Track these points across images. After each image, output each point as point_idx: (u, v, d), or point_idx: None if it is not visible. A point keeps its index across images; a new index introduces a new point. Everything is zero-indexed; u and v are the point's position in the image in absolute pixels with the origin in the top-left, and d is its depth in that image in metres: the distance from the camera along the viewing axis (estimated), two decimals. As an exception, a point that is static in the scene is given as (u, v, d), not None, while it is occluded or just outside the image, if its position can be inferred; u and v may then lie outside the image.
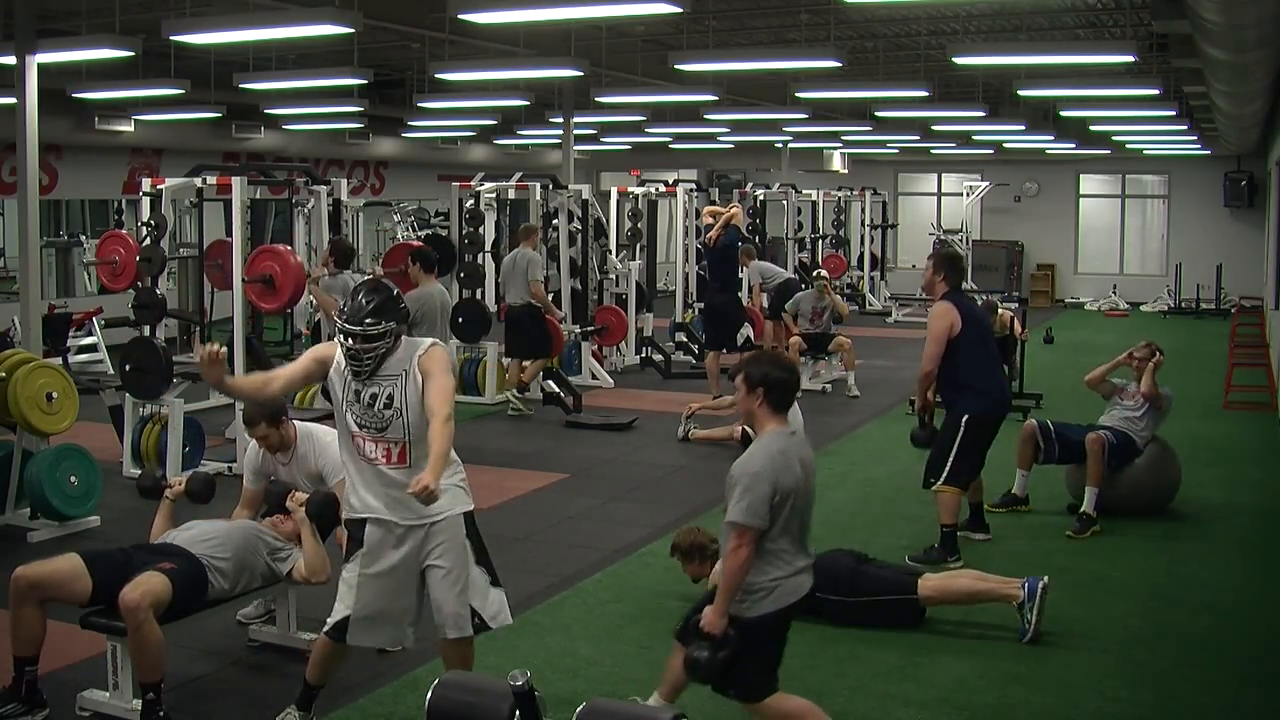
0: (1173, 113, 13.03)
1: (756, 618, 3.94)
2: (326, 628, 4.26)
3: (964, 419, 6.46)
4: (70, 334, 12.82)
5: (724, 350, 11.07)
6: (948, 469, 6.47)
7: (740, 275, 12.25)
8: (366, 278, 4.36)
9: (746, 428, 9.30)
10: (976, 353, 6.53)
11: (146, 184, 8.64)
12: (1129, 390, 7.55)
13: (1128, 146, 20.29)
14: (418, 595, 4.25)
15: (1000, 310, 10.12)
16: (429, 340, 4.28)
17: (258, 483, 5.20)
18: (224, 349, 4.17)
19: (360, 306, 4.08)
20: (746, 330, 11.74)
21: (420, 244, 9.89)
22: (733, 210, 11.32)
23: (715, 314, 11.22)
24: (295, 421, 5.25)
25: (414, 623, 4.29)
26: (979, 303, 10.12)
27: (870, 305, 20.33)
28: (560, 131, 15.80)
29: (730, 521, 3.90)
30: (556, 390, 11.08)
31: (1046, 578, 5.44)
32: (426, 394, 4.09)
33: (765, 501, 3.86)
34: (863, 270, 20.67)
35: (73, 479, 6.95)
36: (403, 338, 4.19)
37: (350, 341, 4.08)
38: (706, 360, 11.40)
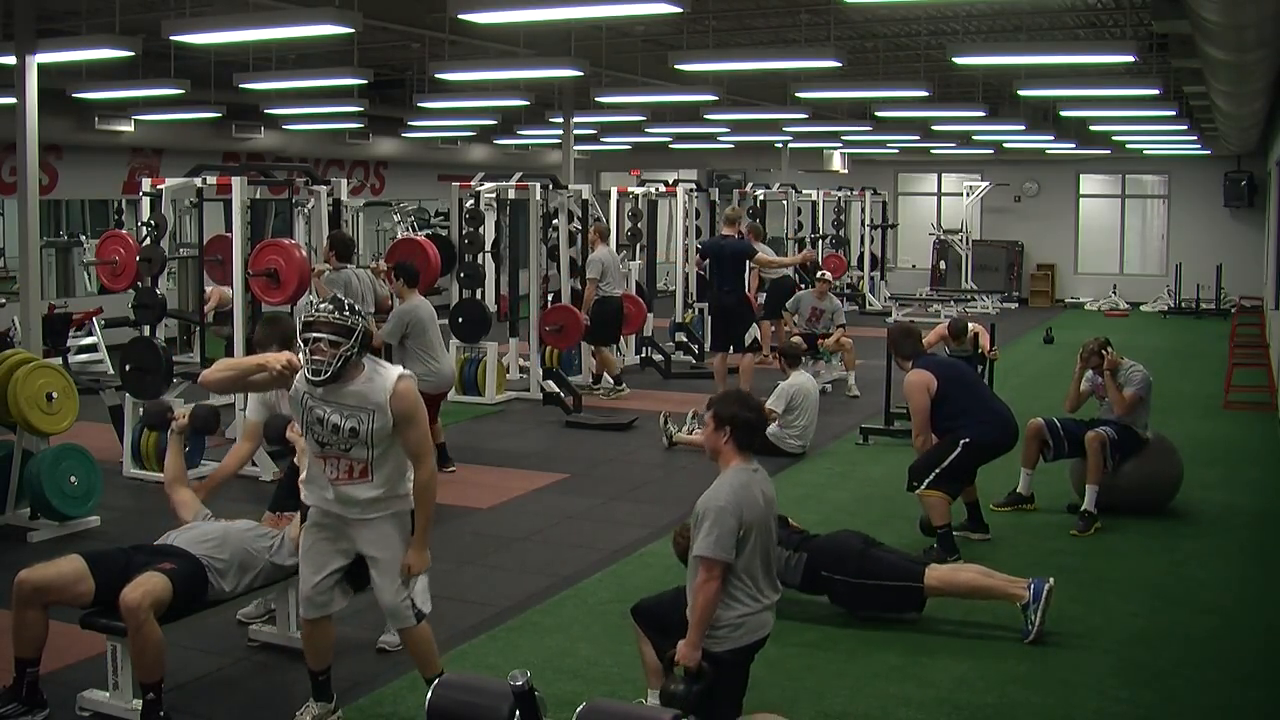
0: (1173, 113, 13.02)
1: (725, 652, 4.05)
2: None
3: (962, 441, 6.50)
4: (70, 334, 12.82)
5: (730, 350, 11.04)
6: (931, 478, 6.49)
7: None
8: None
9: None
10: (963, 399, 6.62)
11: (146, 184, 8.65)
12: (1101, 385, 7.53)
13: (1128, 146, 20.28)
14: (346, 568, 4.39)
15: (970, 327, 9.34)
16: (395, 371, 4.23)
17: (260, 414, 5.28)
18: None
19: (320, 306, 4.18)
20: (754, 331, 11.73)
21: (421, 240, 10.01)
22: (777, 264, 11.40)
23: (724, 314, 11.15)
24: None
25: (343, 582, 4.44)
26: (956, 313, 9.88)
27: (870, 305, 20.33)
28: (560, 131, 15.80)
29: (698, 555, 4.02)
30: (556, 390, 11.09)
31: (1052, 580, 5.44)
32: (405, 441, 4.21)
33: (732, 534, 3.99)
34: (863, 270, 20.66)
35: (73, 479, 6.95)
36: (367, 364, 4.20)
37: (314, 332, 4.08)
38: (714, 361, 11.34)
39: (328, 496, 4.29)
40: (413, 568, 4.32)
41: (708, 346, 14.27)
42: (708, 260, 11.94)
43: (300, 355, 4.18)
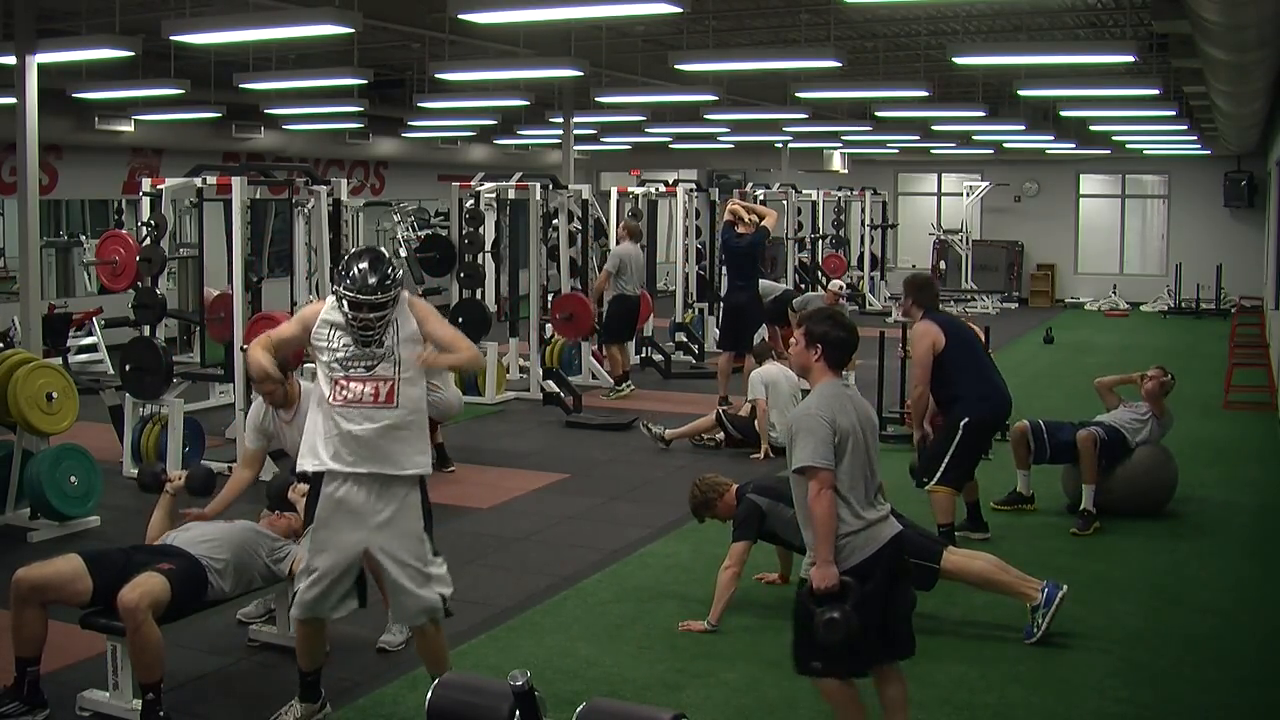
0: (1173, 113, 13.02)
1: (845, 571, 3.86)
2: (292, 607, 4.38)
3: (962, 423, 6.48)
4: (70, 334, 12.82)
5: (737, 352, 10.98)
6: (941, 471, 6.48)
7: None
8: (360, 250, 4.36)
9: (719, 410, 9.38)
10: (966, 363, 6.58)
11: (146, 184, 8.64)
12: (1133, 404, 7.59)
13: (1128, 146, 20.28)
14: (355, 571, 4.30)
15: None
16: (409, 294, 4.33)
17: (258, 442, 5.27)
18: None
19: (366, 278, 4.06)
20: (763, 332, 11.69)
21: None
22: (769, 214, 11.34)
23: (735, 313, 11.05)
24: (301, 380, 5.29)
25: (353, 591, 4.36)
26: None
27: (870, 305, 20.33)
28: (560, 131, 15.80)
29: (799, 468, 3.86)
30: (556, 390, 11.09)
31: (1066, 586, 5.42)
32: (434, 336, 4.18)
33: (827, 441, 3.83)
34: (863, 270, 20.67)
35: (73, 479, 6.95)
36: None
37: (361, 312, 4.07)
38: (721, 360, 11.31)
39: (346, 440, 4.10)
40: (433, 358, 4.13)
41: (708, 346, 14.30)
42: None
43: (339, 314, 4.15)
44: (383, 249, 4.33)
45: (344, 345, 4.16)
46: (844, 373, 12.78)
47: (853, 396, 4.08)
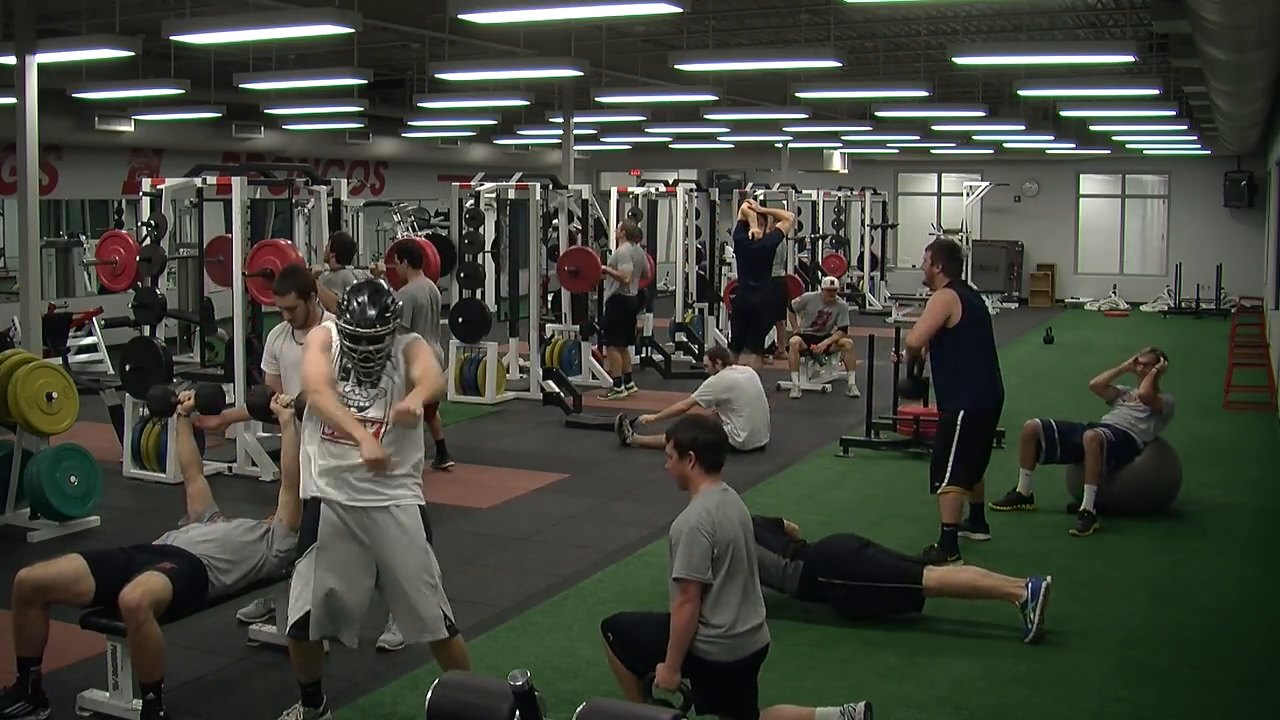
0: (1173, 113, 13.03)
1: (716, 663, 4.04)
2: (288, 628, 4.31)
3: (960, 415, 6.48)
4: (70, 334, 12.83)
5: (744, 351, 10.97)
6: (949, 470, 6.47)
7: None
8: (364, 271, 4.40)
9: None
10: (975, 347, 6.54)
11: (146, 184, 8.64)
12: (1132, 394, 7.57)
13: (1128, 146, 20.28)
14: (369, 591, 4.27)
15: None
16: (412, 334, 4.40)
17: (273, 367, 5.38)
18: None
19: (365, 311, 4.10)
20: (772, 336, 11.70)
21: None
22: (784, 217, 11.43)
23: (748, 312, 11.06)
24: (329, 318, 5.33)
25: (361, 619, 4.32)
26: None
27: (870, 305, 20.33)
28: (560, 131, 15.81)
29: (674, 578, 4.03)
30: (556, 390, 11.09)
31: (1049, 578, 5.44)
32: (415, 369, 4.20)
33: (705, 555, 4.00)
34: (863, 270, 20.67)
35: (73, 479, 6.95)
36: None
37: (361, 345, 4.12)
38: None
39: (337, 471, 4.13)
40: (403, 405, 4.05)
41: (707, 346, 14.29)
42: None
43: (339, 346, 4.19)
44: (381, 281, 4.34)
45: (340, 374, 4.19)
46: (846, 372, 12.71)
47: (734, 502, 4.19)
